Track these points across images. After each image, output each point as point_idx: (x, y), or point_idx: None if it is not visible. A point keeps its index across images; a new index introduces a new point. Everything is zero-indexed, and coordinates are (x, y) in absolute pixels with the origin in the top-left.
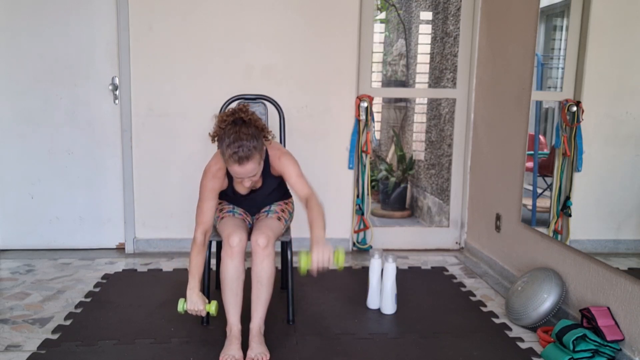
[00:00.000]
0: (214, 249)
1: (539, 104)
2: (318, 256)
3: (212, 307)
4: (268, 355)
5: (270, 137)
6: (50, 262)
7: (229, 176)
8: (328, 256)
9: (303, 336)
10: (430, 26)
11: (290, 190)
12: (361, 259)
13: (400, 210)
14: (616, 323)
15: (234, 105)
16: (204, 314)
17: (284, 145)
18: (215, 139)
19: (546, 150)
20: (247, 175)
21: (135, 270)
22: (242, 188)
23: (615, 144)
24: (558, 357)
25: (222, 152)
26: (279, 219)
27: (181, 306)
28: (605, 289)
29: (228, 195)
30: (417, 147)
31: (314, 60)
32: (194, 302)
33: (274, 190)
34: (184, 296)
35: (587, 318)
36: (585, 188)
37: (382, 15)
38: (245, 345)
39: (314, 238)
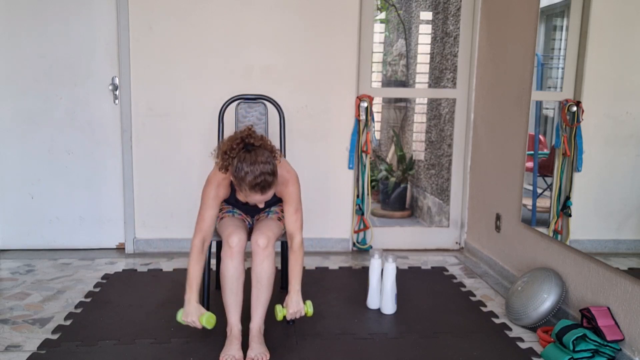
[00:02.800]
0: (213, 249)
1: (539, 104)
2: (292, 309)
3: (204, 319)
4: (268, 355)
5: (278, 157)
6: (50, 262)
7: (232, 186)
8: (300, 310)
9: (303, 336)
10: (430, 26)
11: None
12: (361, 259)
13: (400, 210)
14: (616, 323)
15: (233, 105)
16: (199, 326)
17: (284, 146)
18: (227, 168)
19: (546, 150)
20: (266, 200)
21: (135, 270)
22: (244, 197)
23: (615, 144)
24: (558, 357)
25: (240, 181)
26: (279, 219)
27: (179, 316)
28: (605, 289)
29: (229, 202)
30: (417, 147)
31: (314, 60)
32: (188, 313)
33: (275, 201)
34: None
35: (587, 318)
36: (585, 188)
37: (382, 15)
38: (245, 345)
39: (291, 289)
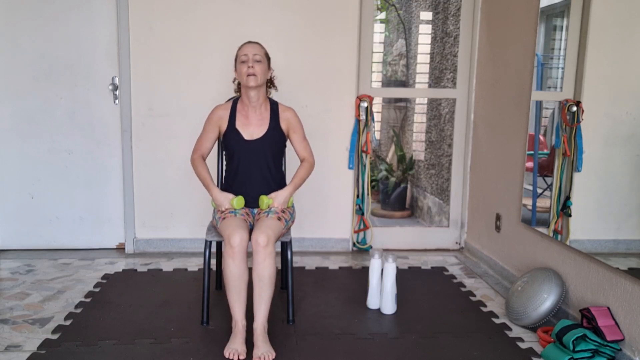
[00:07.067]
0: (214, 249)
1: (539, 104)
2: (278, 203)
3: (235, 203)
4: (274, 354)
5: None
6: (50, 262)
7: (232, 114)
8: (284, 199)
9: (303, 336)
10: (430, 26)
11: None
12: (361, 259)
13: (400, 210)
14: (616, 323)
15: None
16: (231, 209)
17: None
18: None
19: (546, 150)
20: (253, 52)
21: (135, 270)
22: (246, 129)
23: (615, 144)
24: (558, 357)
25: (237, 51)
26: (279, 219)
27: (214, 205)
28: (605, 289)
29: (227, 138)
30: (417, 147)
31: (314, 60)
32: (220, 203)
33: (276, 152)
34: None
35: (587, 318)
36: (585, 188)
37: (382, 15)
38: (250, 344)
39: (286, 187)
